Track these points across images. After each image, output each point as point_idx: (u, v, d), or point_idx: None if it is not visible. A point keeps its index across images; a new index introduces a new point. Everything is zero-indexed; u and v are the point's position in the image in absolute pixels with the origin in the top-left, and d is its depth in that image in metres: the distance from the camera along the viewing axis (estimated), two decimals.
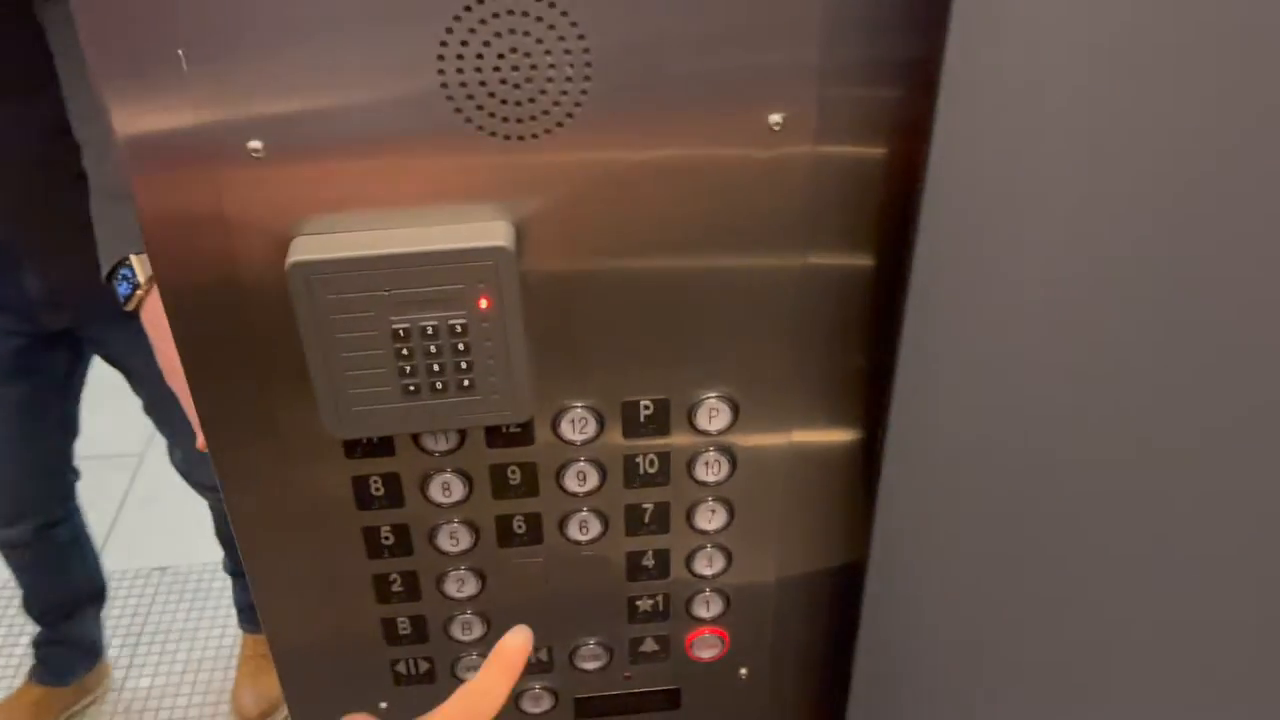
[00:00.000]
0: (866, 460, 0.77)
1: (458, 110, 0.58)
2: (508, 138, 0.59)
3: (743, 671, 0.89)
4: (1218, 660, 0.77)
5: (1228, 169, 0.58)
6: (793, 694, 0.92)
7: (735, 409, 0.72)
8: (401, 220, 0.62)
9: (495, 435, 0.71)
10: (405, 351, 0.63)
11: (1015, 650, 0.82)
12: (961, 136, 0.58)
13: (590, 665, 0.85)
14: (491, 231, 0.61)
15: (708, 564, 0.80)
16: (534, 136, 0.59)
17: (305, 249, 0.60)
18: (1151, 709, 0.81)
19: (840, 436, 0.76)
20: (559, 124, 0.59)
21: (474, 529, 0.76)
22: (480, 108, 0.58)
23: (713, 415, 0.72)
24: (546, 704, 0.88)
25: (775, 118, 0.60)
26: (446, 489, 0.73)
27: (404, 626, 0.81)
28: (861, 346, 0.72)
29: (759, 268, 0.66)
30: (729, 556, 0.80)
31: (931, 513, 0.74)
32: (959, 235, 0.62)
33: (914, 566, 0.77)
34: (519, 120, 0.59)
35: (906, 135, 0.62)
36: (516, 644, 0.56)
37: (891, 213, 0.65)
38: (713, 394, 0.72)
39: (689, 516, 0.77)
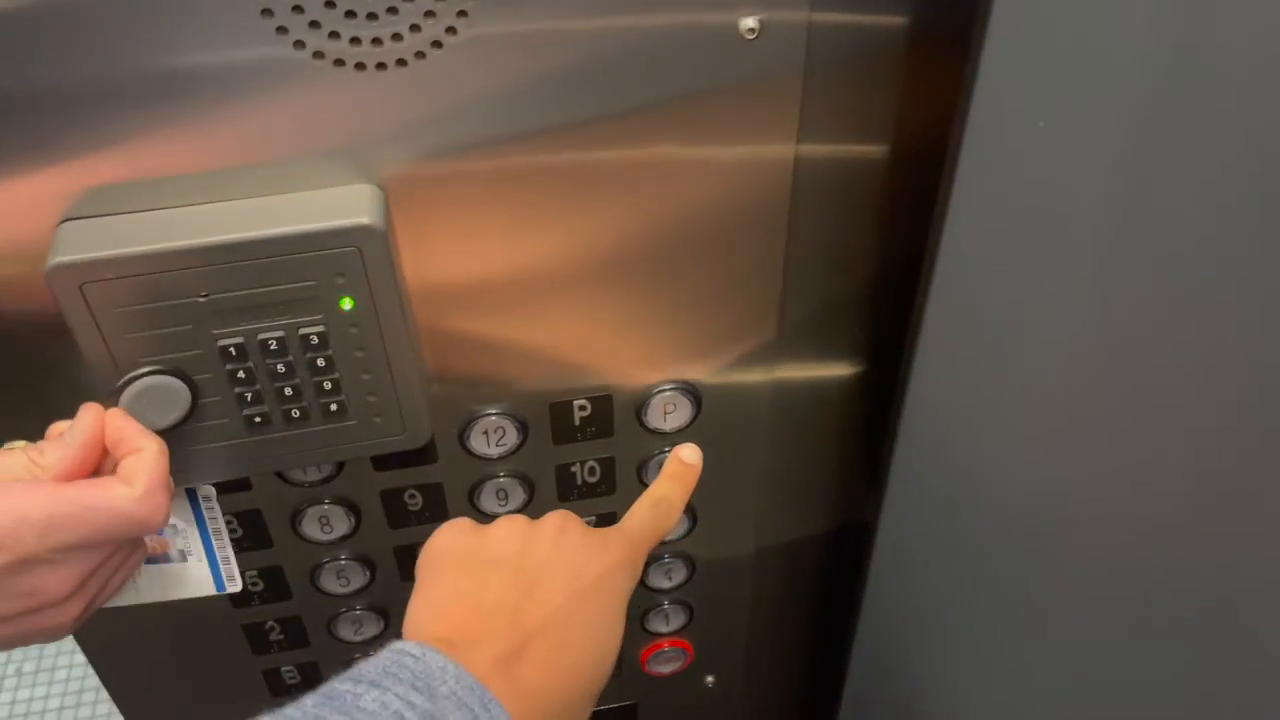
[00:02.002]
0: (851, 448, 0.62)
1: (283, 31, 0.39)
2: (361, 67, 0.40)
3: (709, 680, 0.75)
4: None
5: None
6: (767, 695, 0.78)
7: (697, 400, 0.56)
8: (218, 191, 0.43)
9: (385, 456, 0.54)
10: (241, 374, 0.45)
11: (1014, 660, 0.69)
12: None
13: None
14: (352, 201, 0.43)
15: (666, 577, 0.65)
16: (400, 64, 0.40)
17: (74, 243, 0.41)
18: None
19: (828, 393, 0.60)
20: (435, 43, 0.40)
21: (368, 564, 0.59)
22: (317, 26, 0.39)
23: (668, 411, 0.56)
24: None
25: (750, 22, 0.42)
26: (326, 523, 0.56)
27: (290, 677, 0.64)
28: (850, 320, 0.55)
29: (730, 166, 0.48)
30: (692, 566, 0.65)
31: (949, 485, 0.59)
32: (1014, 138, 0.44)
33: (924, 548, 0.63)
34: (376, 42, 0.40)
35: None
36: (691, 456, 0.53)
37: (907, 105, 0.48)
38: (668, 385, 0.55)
39: None
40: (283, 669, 0.64)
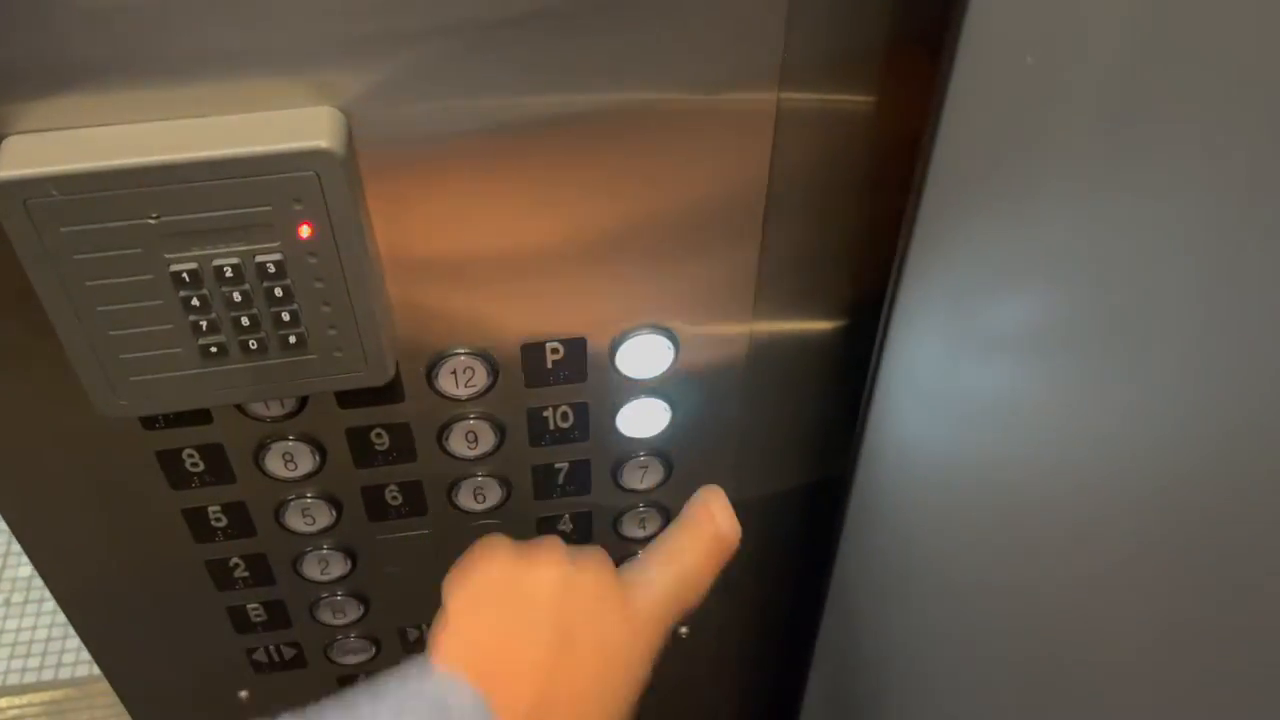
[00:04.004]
0: (832, 398, 0.60)
1: None
2: None
3: (683, 630, 0.74)
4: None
5: None
6: (742, 646, 0.78)
7: (675, 344, 0.54)
8: (172, 108, 0.41)
9: (350, 393, 0.52)
10: (195, 301, 0.43)
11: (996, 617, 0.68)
12: None
13: None
14: (310, 124, 0.41)
15: (640, 526, 0.64)
16: None
17: (21, 157, 0.39)
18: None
19: (809, 348, 0.58)
20: None
21: (334, 503, 0.58)
22: None
23: (644, 356, 0.54)
24: None
25: None
26: (290, 460, 0.54)
27: (256, 613, 0.63)
28: (835, 266, 0.53)
29: (716, 106, 0.46)
30: (666, 515, 0.64)
31: (922, 447, 0.58)
32: (998, 100, 0.42)
33: (895, 508, 0.62)
34: None
35: None
36: (728, 526, 0.52)
37: (903, 53, 0.46)
38: (645, 327, 0.53)
39: (616, 475, 0.60)
40: (248, 606, 0.63)
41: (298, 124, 0.41)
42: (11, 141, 0.40)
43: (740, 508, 0.65)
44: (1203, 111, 0.34)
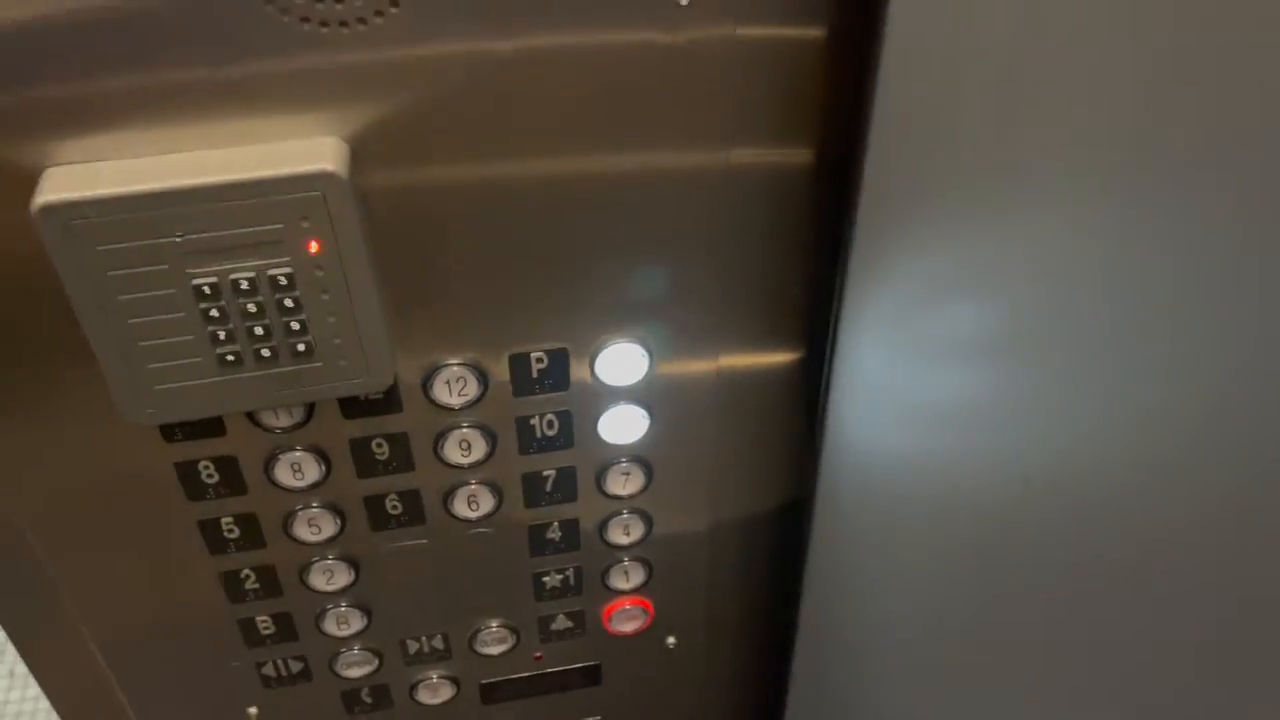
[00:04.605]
0: (801, 407, 0.65)
1: (278, 6, 0.43)
2: (326, 24, 0.44)
3: (670, 640, 0.78)
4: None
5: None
6: (728, 656, 0.81)
7: (649, 358, 0.59)
8: (193, 141, 0.46)
9: (353, 405, 0.57)
10: (214, 313, 0.48)
11: (963, 609, 0.72)
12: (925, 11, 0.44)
13: (495, 649, 0.73)
14: (316, 151, 0.46)
15: (624, 532, 0.68)
16: (361, 21, 0.44)
17: (61, 184, 0.45)
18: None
19: (772, 383, 0.64)
20: (392, 2, 0.44)
21: (338, 513, 0.62)
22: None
23: (622, 366, 0.59)
24: (447, 693, 0.76)
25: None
26: (297, 470, 0.59)
27: (266, 626, 0.67)
28: (792, 283, 0.59)
29: (668, 169, 0.52)
30: (649, 522, 0.68)
31: (879, 461, 0.63)
32: (917, 127, 0.48)
33: (858, 518, 0.66)
34: (340, 0, 0.44)
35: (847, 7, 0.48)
36: None
37: (834, 102, 0.52)
38: (620, 338, 0.58)
39: (600, 482, 0.65)
40: (257, 619, 0.67)
41: (305, 151, 0.46)
42: (52, 172, 0.45)
43: (720, 529, 0.69)
44: (1107, 130, 0.40)
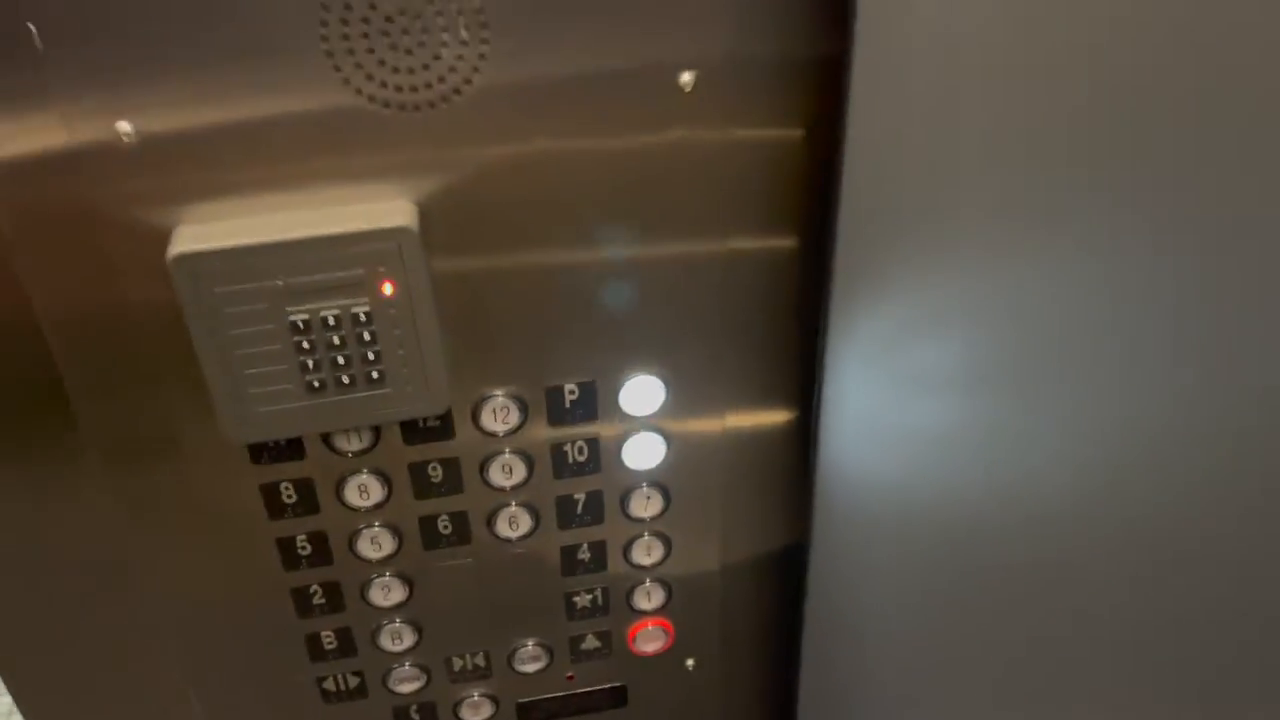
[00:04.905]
0: (803, 439, 0.74)
1: (346, 81, 0.54)
2: (402, 108, 0.55)
3: (690, 663, 0.85)
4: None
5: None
6: (744, 681, 0.89)
7: (666, 390, 0.69)
8: (293, 204, 0.57)
9: (412, 431, 0.67)
10: (306, 344, 0.58)
11: (965, 630, 0.80)
12: (879, 109, 0.55)
13: (530, 667, 0.81)
14: (392, 212, 0.57)
15: (646, 553, 0.77)
16: (430, 106, 0.55)
17: (189, 239, 0.56)
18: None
19: (775, 417, 0.73)
20: (456, 91, 0.55)
21: (397, 532, 0.71)
22: (370, 77, 0.54)
23: (642, 398, 0.69)
24: (487, 711, 0.84)
25: (686, 76, 0.57)
26: (364, 491, 0.68)
27: (329, 640, 0.76)
28: (789, 327, 0.69)
29: (679, 253, 0.63)
30: (668, 544, 0.77)
31: (870, 491, 0.72)
32: (880, 209, 0.59)
33: (855, 545, 0.75)
34: (413, 89, 0.55)
35: (823, 108, 0.59)
36: None
37: (812, 191, 0.62)
38: (641, 374, 0.68)
39: (624, 505, 0.74)
40: (322, 633, 0.75)
41: (382, 211, 0.57)
42: (182, 229, 0.56)
43: (731, 540, 0.78)
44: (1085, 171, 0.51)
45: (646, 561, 0.77)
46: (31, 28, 0.49)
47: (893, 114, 0.55)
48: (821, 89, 0.58)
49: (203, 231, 0.56)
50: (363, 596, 0.74)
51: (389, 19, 0.52)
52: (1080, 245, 0.61)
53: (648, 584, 0.79)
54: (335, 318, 0.58)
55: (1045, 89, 0.55)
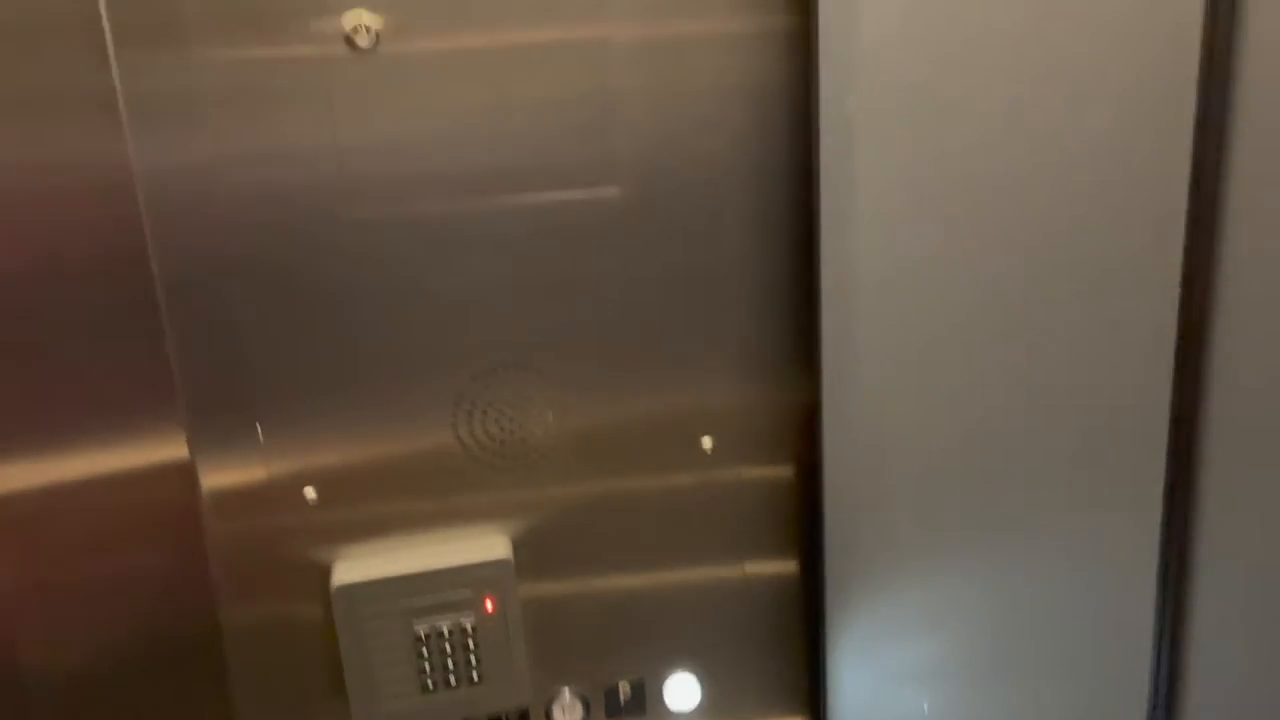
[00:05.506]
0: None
1: (472, 457, 0.76)
2: (506, 471, 0.77)
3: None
4: None
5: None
6: None
7: (701, 685, 0.85)
8: (421, 541, 0.77)
9: None
10: (424, 652, 0.76)
11: None
12: (846, 453, 0.77)
13: None
14: (494, 546, 0.77)
15: None
16: (525, 469, 0.77)
17: (346, 573, 0.75)
18: None
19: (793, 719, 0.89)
20: (542, 456, 0.77)
21: None
22: (485, 449, 0.76)
23: (683, 692, 0.85)
24: None
25: (706, 441, 0.79)
26: None
27: None
28: (798, 634, 0.87)
29: (699, 579, 0.82)
30: None
31: None
32: (862, 536, 0.79)
33: None
34: (514, 456, 0.76)
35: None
36: None
37: (810, 525, 0.83)
38: (679, 671, 0.85)
39: None
40: None
41: (485, 544, 0.77)
42: (340, 563, 0.75)
43: None
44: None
45: None
46: (258, 426, 0.72)
47: (859, 456, 0.76)
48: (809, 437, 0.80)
49: (356, 567, 0.76)
50: None
51: (501, 411, 0.75)
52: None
53: None
54: (449, 630, 0.76)
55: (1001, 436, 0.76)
